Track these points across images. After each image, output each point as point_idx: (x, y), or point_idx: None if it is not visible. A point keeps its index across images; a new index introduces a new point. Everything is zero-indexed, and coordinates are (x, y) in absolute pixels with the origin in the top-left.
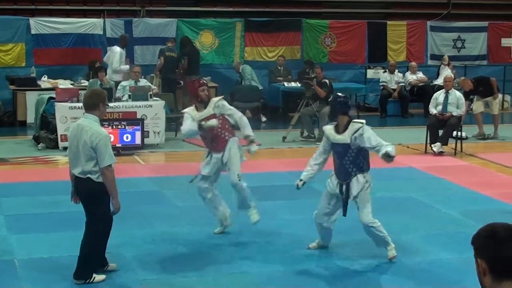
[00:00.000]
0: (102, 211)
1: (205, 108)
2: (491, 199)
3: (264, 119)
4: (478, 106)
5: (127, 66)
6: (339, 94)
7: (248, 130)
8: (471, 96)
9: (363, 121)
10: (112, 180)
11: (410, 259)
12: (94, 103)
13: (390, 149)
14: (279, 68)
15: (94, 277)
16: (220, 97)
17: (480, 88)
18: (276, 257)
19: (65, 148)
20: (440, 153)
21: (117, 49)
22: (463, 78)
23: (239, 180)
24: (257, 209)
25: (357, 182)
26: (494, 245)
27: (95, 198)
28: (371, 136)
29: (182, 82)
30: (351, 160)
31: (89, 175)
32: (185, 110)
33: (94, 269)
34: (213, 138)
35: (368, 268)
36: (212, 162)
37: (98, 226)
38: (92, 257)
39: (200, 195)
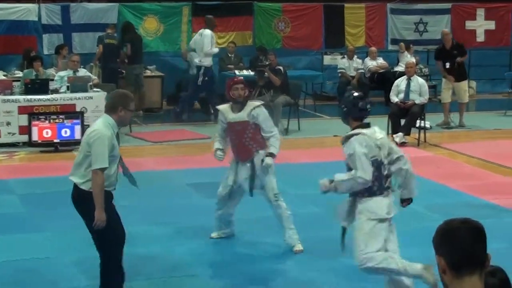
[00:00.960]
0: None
1: (240, 110)
2: (457, 192)
3: (212, 110)
4: (446, 94)
5: (217, 49)
6: (354, 93)
7: (272, 149)
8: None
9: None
10: (98, 186)
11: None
12: (113, 105)
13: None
14: (229, 55)
15: None
16: (260, 103)
17: (455, 51)
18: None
19: (1, 145)
20: (403, 144)
21: (207, 31)
22: (446, 30)
23: (276, 200)
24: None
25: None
26: (451, 241)
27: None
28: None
29: (124, 71)
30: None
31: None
32: (219, 107)
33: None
34: (238, 145)
35: (324, 269)
36: (241, 170)
37: (109, 242)
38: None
39: (216, 203)
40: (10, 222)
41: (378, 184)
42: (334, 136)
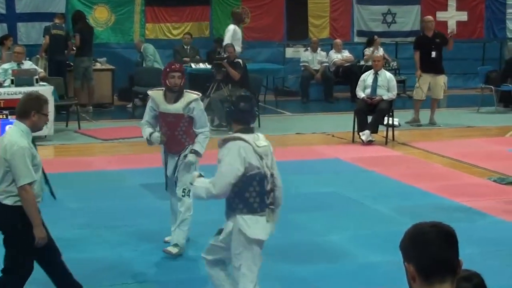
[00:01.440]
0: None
1: (176, 101)
2: (427, 193)
3: None
4: (421, 91)
5: (239, 48)
6: (243, 94)
7: (198, 147)
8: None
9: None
10: (30, 202)
11: (335, 263)
12: (25, 110)
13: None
14: (185, 47)
15: None
16: (197, 96)
17: (437, 40)
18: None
19: None
20: (370, 142)
21: (230, 26)
22: (429, 17)
23: (184, 196)
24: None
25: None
26: (420, 246)
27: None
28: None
29: (72, 64)
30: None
31: (2, 197)
32: (150, 93)
33: None
34: (170, 136)
35: (287, 273)
36: (169, 163)
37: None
38: None
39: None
40: None
41: (259, 201)
42: (297, 134)
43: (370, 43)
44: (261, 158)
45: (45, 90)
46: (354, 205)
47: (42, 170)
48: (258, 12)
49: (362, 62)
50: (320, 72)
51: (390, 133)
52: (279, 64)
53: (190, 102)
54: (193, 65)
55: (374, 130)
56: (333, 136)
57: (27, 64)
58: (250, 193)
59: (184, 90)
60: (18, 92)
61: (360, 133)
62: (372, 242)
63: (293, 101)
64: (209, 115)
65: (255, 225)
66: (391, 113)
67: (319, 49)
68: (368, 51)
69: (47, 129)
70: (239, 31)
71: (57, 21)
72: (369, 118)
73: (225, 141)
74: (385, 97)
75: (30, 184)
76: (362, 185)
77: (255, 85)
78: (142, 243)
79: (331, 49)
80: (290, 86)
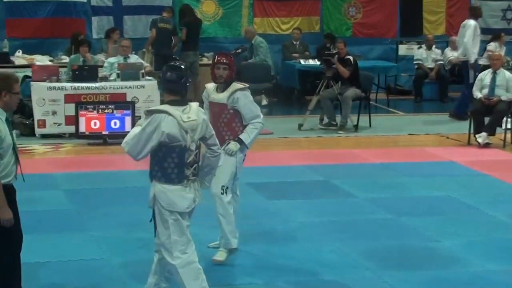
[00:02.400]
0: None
1: (223, 91)
2: None
3: (265, 102)
4: None
5: (476, 50)
6: (172, 64)
7: (244, 136)
8: None
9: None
10: None
11: (449, 270)
12: None
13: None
14: (294, 42)
15: None
16: (243, 86)
17: None
18: (288, 267)
19: (43, 136)
20: (486, 145)
21: (471, 22)
22: None
23: (222, 193)
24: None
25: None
26: None
27: None
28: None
29: (178, 58)
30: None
31: None
32: (207, 85)
33: None
34: (214, 128)
35: (400, 278)
36: None
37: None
38: None
39: None
40: (55, 220)
41: (178, 172)
42: (409, 134)
43: (495, 38)
44: (186, 132)
45: (151, 84)
46: (468, 211)
47: (15, 151)
48: (370, 8)
49: (480, 62)
50: (435, 71)
51: (508, 135)
52: (392, 61)
53: (235, 91)
54: (302, 61)
55: (492, 132)
56: (447, 138)
57: (133, 58)
58: (169, 163)
59: (235, 82)
60: (123, 86)
61: (477, 135)
62: (487, 249)
63: (405, 101)
64: (318, 113)
65: (170, 195)
66: (510, 115)
67: (433, 46)
68: (492, 46)
69: None
70: (477, 25)
71: (165, 14)
72: (487, 120)
73: (151, 112)
74: (503, 98)
75: None
76: (478, 189)
77: (366, 83)
78: (249, 243)
79: (447, 47)
80: (402, 85)
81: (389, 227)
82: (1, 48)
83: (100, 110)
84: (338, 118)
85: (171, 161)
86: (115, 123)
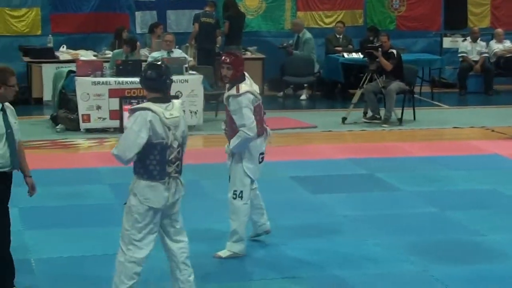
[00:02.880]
0: None
1: (229, 91)
2: None
3: (304, 96)
4: None
5: None
6: (153, 62)
7: (231, 142)
8: None
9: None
10: None
11: (495, 265)
12: None
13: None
14: (337, 36)
15: None
16: (239, 92)
17: None
18: (332, 260)
19: (87, 130)
20: None
21: None
22: None
23: (234, 198)
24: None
25: None
26: None
27: None
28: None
29: (221, 52)
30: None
31: None
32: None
33: None
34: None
35: (446, 272)
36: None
37: None
38: None
39: None
40: (100, 214)
41: (160, 169)
42: (454, 128)
43: None
44: (168, 129)
45: (195, 79)
46: None
47: (10, 140)
48: (414, 0)
49: None
50: (480, 63)
51: None
52: (436, 54)
53: (229, 96)
54: (345, 55)
55: None
56: (492, 131)
57: (177, 53)
58: (151, 160)
59: (239, 84)
60: None
61: None
62: None
63: (450, 94)
64: (362, 107)
65: (148, 191)
66: None
67: (478, 39)
68: None
69: (197, 119)
70: None
71: (207, 9)
72: None
73: (134, 110)
74: None
75: None
76: None
77: (410, 76)
78: (294, 237)
79: (492, 39)
80: (447, 78)
81: (434, 221)
82: (46, 43)
83: None
84: (382, 112)
85: (153, 158)
86: None
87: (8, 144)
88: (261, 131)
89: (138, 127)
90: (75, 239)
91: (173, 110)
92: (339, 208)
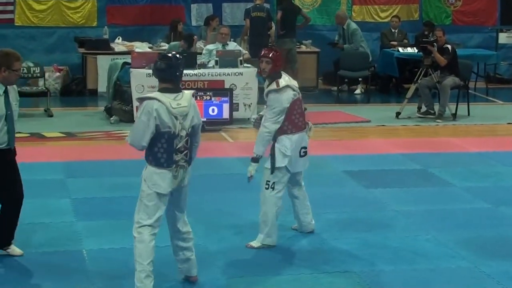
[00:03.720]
0: None
1: (269, 85)
2: None
3: (358, 91)
4: None
5: None
6: (164, 54)
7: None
8: None
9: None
10: None
11: None
12: None
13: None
14: (393, 30)
15: None
16: (278, 87)
17: None
18: (384, 255)
19: None
20: None
21: None
22: None
23: (267, 188)
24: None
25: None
26: None
27: None
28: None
29: (275, 45)
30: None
31: None
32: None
33: None
34: None
35: (498, 270)
36: None
37: None
38: None
39: None
40: None
41: (167, 157)
42: (508, 123)
43: None
44: (175, 118)
45: (249, 72)
46: None
47: (9, 121)
48: None
49: None
50: None
51: None
52: (491, 50)
53: (269, 91)
54: (400, 50)
55: None
56: None
57: (232, 45)
58: (159, 148)
59: (278, 79)
60: (221, 73)
61: None
62: None
63: (505, 89)
64: (416, 102)
65: (156, 177)
66: None
67: None
68: None
69: (251, 112)
70: None
71: (257, 2)
72: None
73: (142, 100)
74: None
75: None
76: None
77: (465, 71)
78: (345, 231)
79: None
80: (502, 74)
81: (487, 217)
82: (101, 35)
83: (198, 97)
84: (436, 107)
85: (160, 146)
86: (213, 110)
87: (7, 124)
88: (302, 126)
89: (146, 117)
90: (127, 230)
91: (182, 100)
92: (391, 202)
